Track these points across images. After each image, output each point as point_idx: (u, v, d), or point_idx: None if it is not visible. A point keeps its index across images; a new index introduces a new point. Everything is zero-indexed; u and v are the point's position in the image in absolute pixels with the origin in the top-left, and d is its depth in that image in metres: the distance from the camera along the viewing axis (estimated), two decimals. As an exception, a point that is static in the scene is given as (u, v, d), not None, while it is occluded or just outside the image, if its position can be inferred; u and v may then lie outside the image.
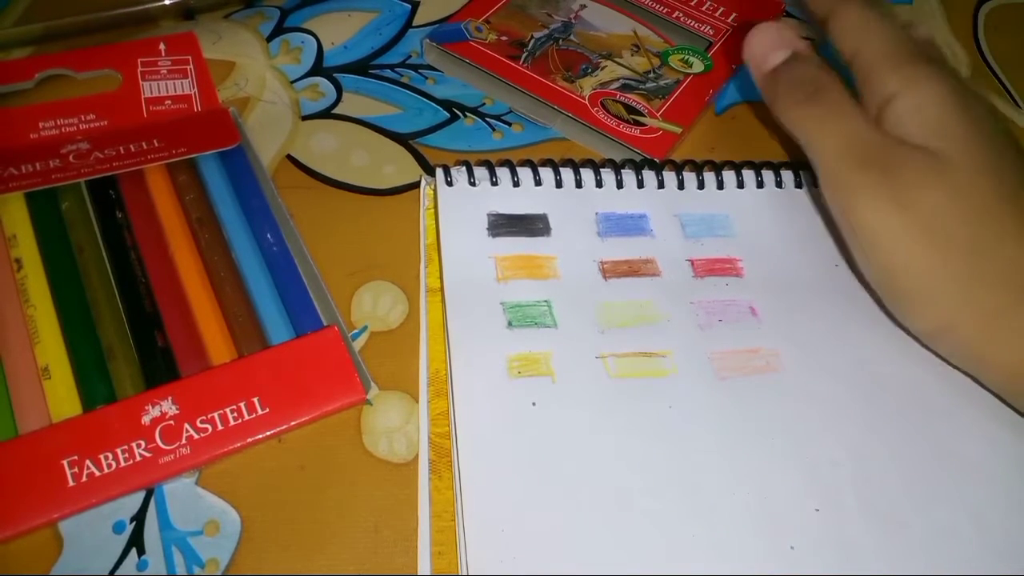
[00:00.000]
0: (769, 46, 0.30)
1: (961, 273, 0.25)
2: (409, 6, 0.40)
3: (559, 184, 0.32)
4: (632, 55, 0.37)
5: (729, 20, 0.40)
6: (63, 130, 0.32)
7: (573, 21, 0.39)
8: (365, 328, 0.29)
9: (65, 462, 0.24)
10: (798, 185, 0.33)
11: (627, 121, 0.34)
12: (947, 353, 0.28)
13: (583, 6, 0.39)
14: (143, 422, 0.25)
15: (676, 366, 0.28)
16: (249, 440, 0.25)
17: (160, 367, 0.26)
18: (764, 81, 0.30)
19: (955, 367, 0.28)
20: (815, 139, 0.28)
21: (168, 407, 0.25)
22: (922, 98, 0.27)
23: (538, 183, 0.32)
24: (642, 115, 0.35)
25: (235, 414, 0.25)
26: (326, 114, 0.35)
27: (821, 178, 0.28)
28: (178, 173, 0.31)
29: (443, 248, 0.30)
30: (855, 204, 0.26)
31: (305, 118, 0.35)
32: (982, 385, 0.28)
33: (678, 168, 0.33)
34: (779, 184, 0.33)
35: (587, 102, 0.35)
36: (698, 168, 0.33)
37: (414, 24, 0.39)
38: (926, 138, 0.26)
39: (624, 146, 0.34)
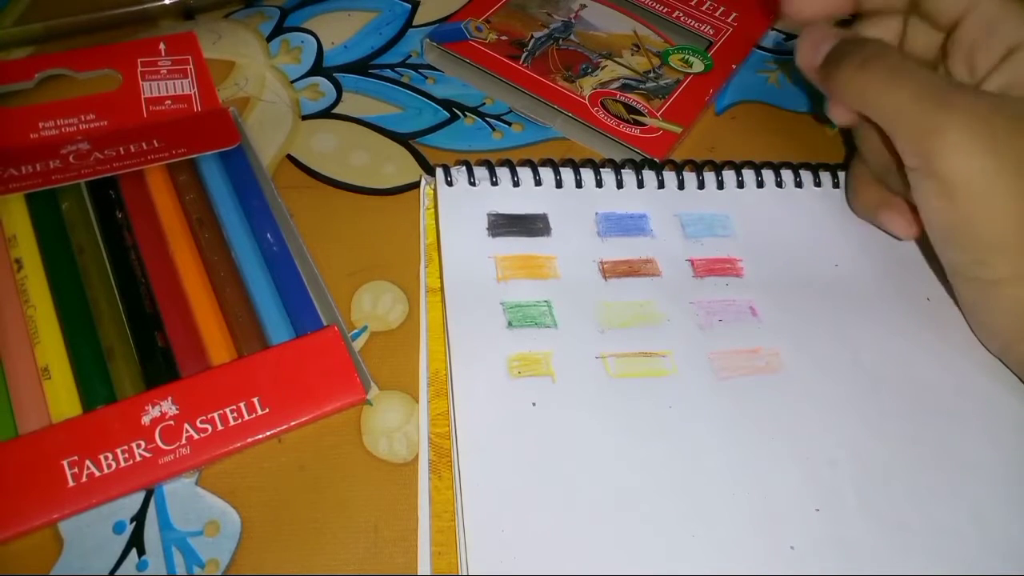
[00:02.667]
0: (812, 45, 0.30)
1: None
2: (409, 6, 0.39)
3: (559, 184, 0.32)
4: (632, 55, 0.37)
5: (729, 20, 0.40)
6: (63, 130, 0.32)
7: (573, 21, 0.39)
8: (365, 328, 0.29)
9: (65, 462, 0.24)
10: (798, 185, 0.33)
11: (627, 121, 0.34)
12: (1006, 309, 0.27)
13: (583, 6, 0.39)
14: (143, 422, 0.25)
15: (676, 366, 0.28)
16: (249, 440, 0.25)
17: (160, 367, 0.26)
18: (820, 74, 0.30)
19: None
20: (886, 95, 0.27)
21: (168, 407, 0.25)
22: None
23: (538, 183, 0.32)
24: (642, 115, 0.35)
25: (235, 414, 0.25)
26: (326, 114, 0.35)
27: (897, 135, 0.27)
28: (178, 173, 0.31)
29: (443, 248, 0.30)
30: (941, 145, 0.26)
31: (305, 118, 0.35)
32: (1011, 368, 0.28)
33: (678, 168, 0.33)
34: (779, 184, 0.33)
35: (587, 102, 0.35)
36: (698, 168, 0.33)
37: (414, 24, 0.39)
38: None
39: (624, 146, 0.34)
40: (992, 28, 0.28)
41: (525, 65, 0.36)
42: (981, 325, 0.29)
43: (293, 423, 0.26)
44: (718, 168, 0.33)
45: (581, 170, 0.32)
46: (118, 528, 0.24)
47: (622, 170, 0.32)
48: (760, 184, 0.33)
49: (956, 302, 0.31)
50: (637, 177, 0.32)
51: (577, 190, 0.32)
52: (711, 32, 0.39)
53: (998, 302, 0.28)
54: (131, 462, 0.24)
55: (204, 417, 0.25)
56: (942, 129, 0.26)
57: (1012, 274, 0.26)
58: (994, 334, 0.29)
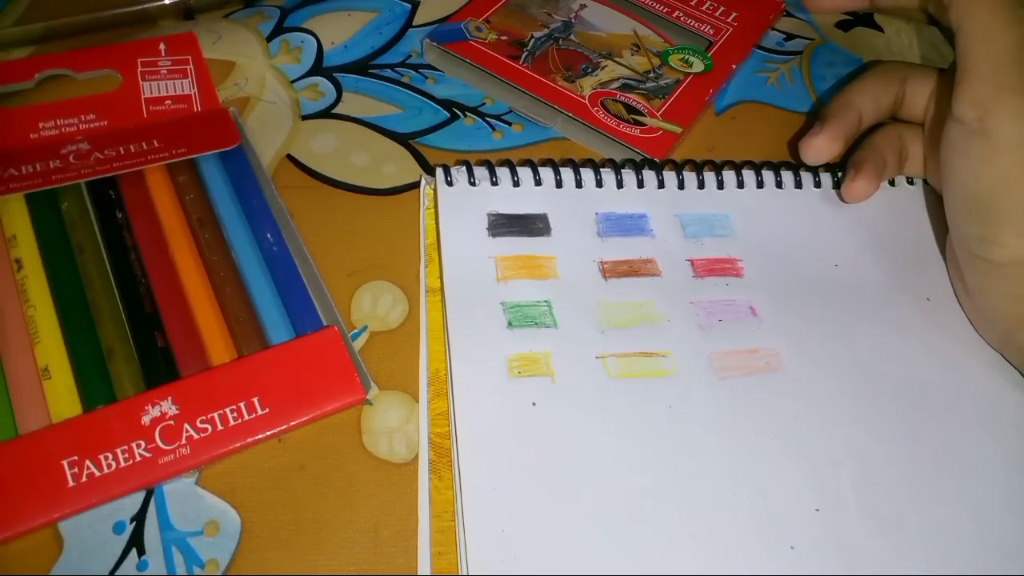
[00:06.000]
0: None
1: None
2: (409, 6, 0.39)
3: (559, 184, 0.32)
4: (632, 55, 0.37)
5: (729, 20, 0.40)
6: (63, 130, 0.32)
7: (573, 20, 0.39)
8: (365, 328, 0.29)
9: (65, 462, 0.24)
10: (798, 185, 0.33)
11: (627, 121, 0.34)
12: (1009, 291, 0.28)
13: (583, 6, 0.39)
14: (143, 422, 0.25)
15: (676, 366, 0.28)
16: (249, 440, 0.25)
17: (160, 367, 0.26)
18: None
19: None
20: (993, 28, 0.26)
21: (168, 407, 0.25)
22: None
23: (538, 183, 0.32)
24: (642, 115, 0.35)
25: (235, 414, 0.25)
26: (326, 114, 0.35)
27: (974, 72, 0.27)
28: (178, 173, 0.31)
29: (443, 248, 0.30)
30: (1009, 104, 0.26)
31: (305, 118, 0.35)
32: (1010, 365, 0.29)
33: (678, 168, 0.33)
34: (779, 184, 0.33)
35: (587, 102, 0.35)
36: (698, 168, 0.33)
37: (414, 24, 0.39)
38: None
39: (624, 146, 0.34)
40: None
41: (525, 65, 0.36)
42: (984, 312, 0.29)
43: (293, 423, 0.26)
44: (718, 168, 0.33)
45: (581, 170, 0.32)
46: (118, 528, 0.24)
47: (622, 170, 0.32)
48: (760, 184, 0.33)
49: (957, 299, 0.31)
50: (637, 177, 0.32)
51: (577, 190, 0.32)
52: (711, 32, 0.39)
53: (1004, 286, 0.28)
54: (131, 462, 0.24)
55: (204, 417, 0.25)
56: (1020, 90, 0.26)
57: (1020, 254, 0.27)
58: (996, 321, 0.29)
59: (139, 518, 0.24)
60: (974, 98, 0.27)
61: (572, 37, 0.38)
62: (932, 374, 0.29)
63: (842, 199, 0.33)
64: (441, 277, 0.29)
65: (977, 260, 0.28)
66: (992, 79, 0.26)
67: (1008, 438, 0.28)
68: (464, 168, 0.31)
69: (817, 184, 0.33)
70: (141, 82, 0.34)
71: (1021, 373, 0.29)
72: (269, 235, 0.30)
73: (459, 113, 0.36)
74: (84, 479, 0.24)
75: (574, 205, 0.32)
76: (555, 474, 0.25)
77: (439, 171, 0.31)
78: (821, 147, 0.32)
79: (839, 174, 0.33)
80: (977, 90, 0.27)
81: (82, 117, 0.32)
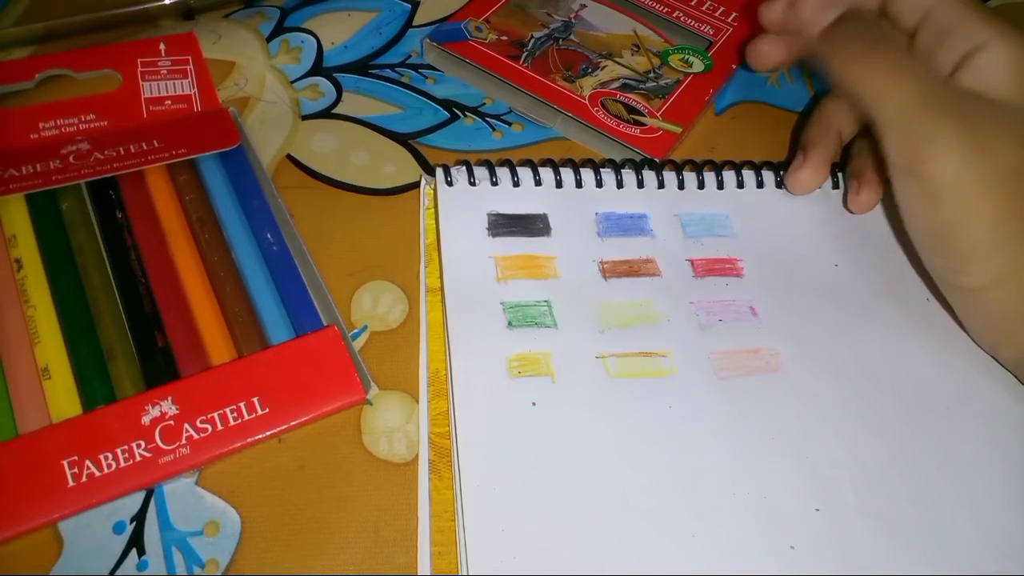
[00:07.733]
0: (819, 6, 0.29)
1: None
2: (409, 6, 0.40)
3: (559, 184, 0.32)
4: (632, 55, 0.37)
5: (729, 20, 0.40)
6: (63, 130, 0.32)
7: (573, 21, 0.39)
8: (365, 328, 0.29)
9: (65, 462, 0.24)
10: (798, 185, 0.33)
11: (627, 121, 0.34)
12: (987, 314, 0.28)
13: (583, 6, 0.39)
14: (143, 422, 0.25)
15: (676, 366, 0.28)
16: (249, 440, 0.25)
17: (160, 367, 0.26)
18: (818, 42, 0.29)
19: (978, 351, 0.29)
20: (885, 88, 0.26)
21: (168, 407, 0.25)
22: (1016, 51, 0.26)
23: (538, 183, 0.32)
24: (642, 115, 0.35)
25: (235, 414, 0.25)
26: (326, 114, 0.35)
27: (889, 130, 0.26)
28: (178, 173, 0.31)
29: (443, 248, 0.30)
30: (931, 152, 0.25)
31: (305, 118, 0.35)
32: (1001, 364, 0.29)
33: (678, 168, 0.33)
34: (779, 184, 0.33)
35: (587, 102, 0.35)
36: (698, 168, 0.33)
37: (414, 24, 0.39)
38: (1014, 92, 0.26)
39: (624, 146, 0.34)
40: (943, 37, 0.28)
41: (525, 65, 0.36)
42: (968, 328, 0.29)
43: (293, 423, 0.26)
44: (718, 168, 0.33)
45: (581, 170, 0.32)
46: (118, 528, 0.24)
47: (622, 170, 0.32)
48: (760, 184, 0.33)
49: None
50: (637, 177, 0.32)
51: (577, 190, 0.32)
52: (711, 32, 0.39)
53: (979, 308, 0.28)
54: (131, 462, 0.24)
55: (204, 417, 0.25)
56: (935, 135, 0.25)
57: (989, 281, 0.26)
58: (980, 337, 0.29)
59: (139, 518, 0.24)
60: (900, 151, 0.26)
61: (572, 37, 0.38)
62: (932, 374, 0.29)
63: (850, 211, 0.33)
64: (441, 277, 0.29)
65: (950, 287, 0.28)
66: (908, 134, 0.26)
67: (1008, 438, 0.28)
68: (464, 168, 0.31)
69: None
70: (141, 82, 0.34)
71: (1019, 380, 0.29)
72: (269, 235, 0.30)
73: (459, 113, 0.36)
74: (84, 479, 0.24)
75: (574, 205, 0.32)
76: (555, 474, 0.25)
77: (439, 171, 0.31)
78: (808, 179, 0.32)
79: (839, 174, 0.33)
80: (900, 145, 0.26)
81: (82, 117, 0.32)
